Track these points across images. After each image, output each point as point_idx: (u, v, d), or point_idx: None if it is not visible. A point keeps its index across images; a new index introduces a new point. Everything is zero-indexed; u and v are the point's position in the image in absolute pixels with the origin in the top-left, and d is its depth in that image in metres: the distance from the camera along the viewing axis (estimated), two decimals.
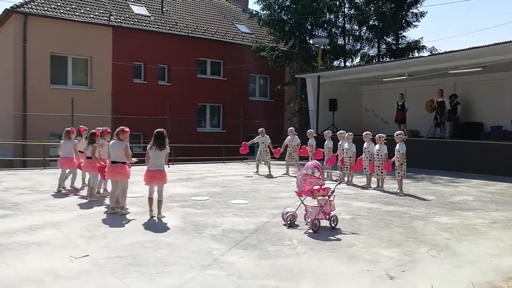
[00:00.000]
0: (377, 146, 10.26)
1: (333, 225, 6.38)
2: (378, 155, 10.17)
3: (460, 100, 15.88)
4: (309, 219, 6.30)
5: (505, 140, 13.79)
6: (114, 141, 7.39)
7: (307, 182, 6.32)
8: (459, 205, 8.46)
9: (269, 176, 12.56)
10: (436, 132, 15.84)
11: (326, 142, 11.95)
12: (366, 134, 10.62)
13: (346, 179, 10.97)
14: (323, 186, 6.34)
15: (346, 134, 11.13)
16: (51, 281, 4.17)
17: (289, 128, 13.42)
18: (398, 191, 9.75)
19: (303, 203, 6.46)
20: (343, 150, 11.16)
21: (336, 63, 26.83)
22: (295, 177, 11.77)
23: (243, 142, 13.26)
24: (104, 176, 8.23)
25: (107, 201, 8.10)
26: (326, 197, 6.32)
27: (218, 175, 12.51)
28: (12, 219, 6.73)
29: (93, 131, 8.81)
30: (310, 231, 6.11)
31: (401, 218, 7.14)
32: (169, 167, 13.26)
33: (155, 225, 6.41)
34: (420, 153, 15.10)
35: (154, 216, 6.93)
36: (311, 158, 12.18)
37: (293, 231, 6.19)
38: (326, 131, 12.14)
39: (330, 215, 6.38)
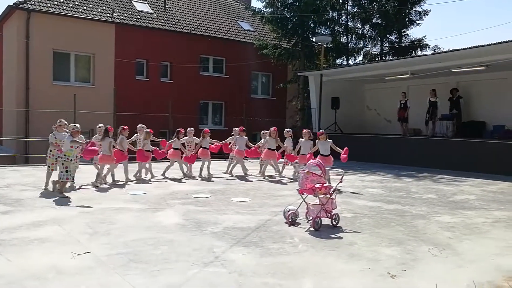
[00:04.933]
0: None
1: (334, 223, 6.37)
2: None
3: (463, 98, 15.86)
4: (311, 217, 6.29)
5: (508, 139, 13.73)
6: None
7: (309, 180, 6.31)
8: (461, 204, 8.44)
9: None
10: (441, 131, 15.80)
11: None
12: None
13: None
14: (324, 184, 6.34)
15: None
16: (53, 277, 4.18)
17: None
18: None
19: (304, 201, 6.45)
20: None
21: (338, 61, 26.81)
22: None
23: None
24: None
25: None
26: (328, 195, 6.32)
27: (220, 172, 12.52)
28: (14, 215, 6.76)
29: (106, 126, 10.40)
30: (312, 229, 6.11)
31: (403, 217, 7.13)
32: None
33: (157, 222, 6.42)
34: (422, 152, 15.10)
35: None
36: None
37: (295, 229, 6.19)
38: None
39: (332, 213, 6.37)
